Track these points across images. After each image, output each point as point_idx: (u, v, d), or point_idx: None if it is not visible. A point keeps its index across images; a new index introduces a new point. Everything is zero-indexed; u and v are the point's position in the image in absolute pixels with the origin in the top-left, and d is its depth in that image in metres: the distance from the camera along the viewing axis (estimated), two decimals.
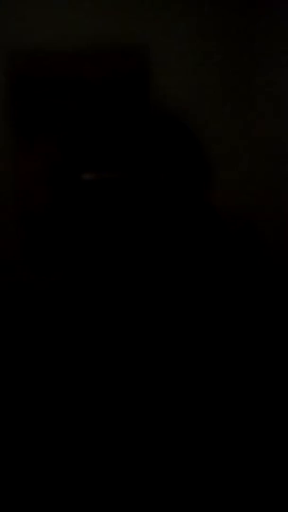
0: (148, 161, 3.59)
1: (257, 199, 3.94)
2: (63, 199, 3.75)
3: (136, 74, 3.78)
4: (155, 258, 3.50)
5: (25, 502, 2.04)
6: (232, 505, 1.95)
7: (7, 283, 3.76)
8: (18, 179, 3.80)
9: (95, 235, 3.63)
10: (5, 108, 3.80)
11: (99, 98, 3.81)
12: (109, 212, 3.63)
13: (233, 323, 3.27)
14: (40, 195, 3.80)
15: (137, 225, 3.54)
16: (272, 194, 3.93)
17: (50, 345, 3.18)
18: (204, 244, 3.56)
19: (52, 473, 2.21)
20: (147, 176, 3.56)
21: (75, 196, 3.65)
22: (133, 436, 2.34)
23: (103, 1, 3.76)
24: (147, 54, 3.77)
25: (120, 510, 1.98)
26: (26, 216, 3.82)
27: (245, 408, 2.50)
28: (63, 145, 3.79)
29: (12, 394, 2.73)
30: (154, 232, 3.53)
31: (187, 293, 3.43)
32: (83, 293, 3.56)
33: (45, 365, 3.01)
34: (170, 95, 3.83)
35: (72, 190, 3.68)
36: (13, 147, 3.80)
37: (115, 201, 3.65)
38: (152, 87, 3.83)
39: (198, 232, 3.54)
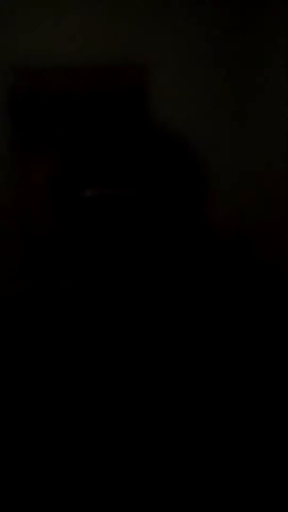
0: (147, 178, 3.68)
1: (250, 211, 4.03)
2: (64, 214, 3.79)
3: (134, 91, 3.88)
4: (152, 269, 3.58)
5: (25, 502, 2.03)
6: (232, 505, 1.97)
7: (7, 295, 3.77)
8: (17, 193, 3.85)
9: (94, 248, 3.68)
10: (5, 124, 3.86)
11: (97, 114, 3.89)
12: (109, 226, 3.68)
13: (224, 330, 3.36)
14: (39, 208, 3.85)
15: (136, 238, 3.62)
16: (265, 206, 4.02)
17: (48, 351, 3.20)
18: (199, 255, 3.64)
19: (52, 473, 2.21)
20: (146, 193, 3.65)
21: (77, 211, 3.71)
22: (132, 436, 2.37)
23: (102, 20, 3.87)
24: (145, 71, 3.88)
25: (120, 510, 1.99)
26: (25, 229, 3.86)
27: (236, 405, 2.57)
28: (63, 160, 3.85)
29: (12, 398, 2.74)
30: (152, 245, 3.61)
31: (182, 300, 3.51)
32: (81, 303, 3.60)
33: (44, 370, 3.03)
34: (167, 111, 3.96)
35: (74, 205, 3.73)
36: (12, 162, 3.87)
37: (114, 216, 3.71)
38: (150, 103, 3.95)
39: (194, 244, 3.63)
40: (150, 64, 3.90)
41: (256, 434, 2.39)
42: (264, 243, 3.97)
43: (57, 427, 2.56)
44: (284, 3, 3.57)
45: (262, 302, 3.73)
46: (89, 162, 3.86)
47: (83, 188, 3.74)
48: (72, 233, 3.72)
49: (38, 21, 3.81)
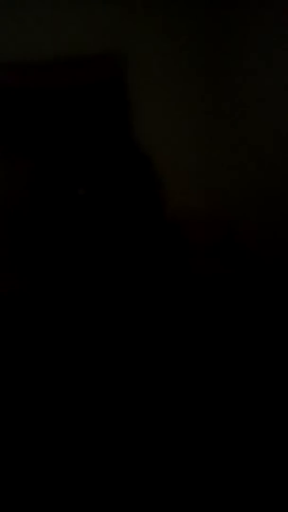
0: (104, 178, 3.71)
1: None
2: (55, 211, 3.74)
3: (112, 81, 3.77)
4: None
5: (25, 502, 2.03)
6: (232, 504, 2.01)
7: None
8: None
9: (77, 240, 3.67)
10: None
11: (74, 108, 3.78)
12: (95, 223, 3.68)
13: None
14: (19, 205, 3.76)
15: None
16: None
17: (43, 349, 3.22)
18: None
19: (52, 473, 2.21)
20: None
21: (70, 208, 3.69)
22: (131, 436, 2.39)
23: (79, 10, 3.73)
24: (124, 61, 3.78)
25: (120, 510, 2.01)
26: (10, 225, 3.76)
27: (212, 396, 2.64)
28: (44, 159, 3.77)
29: (11, 398, 2.74)
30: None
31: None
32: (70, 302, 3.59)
33: (42, 368, 3.04)
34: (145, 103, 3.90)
35: (68, 203, 3.71)
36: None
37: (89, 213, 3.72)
38: (128, 95, 3.86)
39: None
40: (128, 53, 3.81)
41: (256, 434, 2.42)
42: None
43: (56, 427, 2.56)
44: None
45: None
46: (70, 161, 3.79)
47: (71, 186, 3.73)
48: (58, 226, 3.69)
49: (11, 12, 3.63)
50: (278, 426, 2.43)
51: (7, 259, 3.81)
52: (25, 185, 3.76)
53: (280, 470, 2.13)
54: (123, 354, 3.20)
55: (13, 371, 3.09)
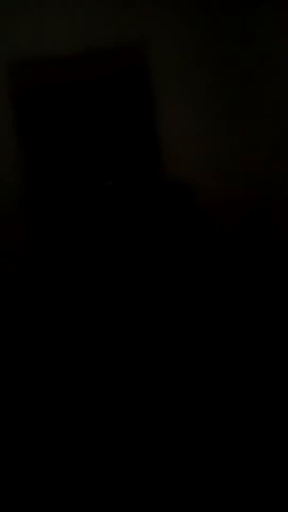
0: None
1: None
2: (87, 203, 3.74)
3: (136, 71, 3.74)
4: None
5: (25, 502, 2.04)
6: (232, 504, 2.01)
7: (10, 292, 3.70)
8: (24, 189, 3.72)
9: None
10: (8, 119, 3.64)
11: (100, 102, 3.75)
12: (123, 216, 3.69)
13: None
14: (46, 205, 3.74)
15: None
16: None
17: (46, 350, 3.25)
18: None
19: (52, 473, 2.22)
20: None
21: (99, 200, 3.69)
22: (131, 436, 2.40)
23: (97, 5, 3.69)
24: (147, 51, 3.75)
25: (120, 510, 2.01)
26: (33, 225, 3.75)
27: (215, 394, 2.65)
28: (72, 151, 3.75)
29: (12, 398, 2.76)
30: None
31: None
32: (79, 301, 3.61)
33: (41, 367, 3.06)
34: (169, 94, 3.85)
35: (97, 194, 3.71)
36: (18, 157, 3.68)
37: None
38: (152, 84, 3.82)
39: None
40: (150, 45, 3.77)
41: (256, 434, 2.42)
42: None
43: (56, 427, 2.57)
44: None
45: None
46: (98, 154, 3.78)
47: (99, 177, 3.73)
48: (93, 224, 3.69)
49: (31, 13, 3.59)
50: (278, 425, 2.43)
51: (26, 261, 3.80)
52: (50, 178, 3.75)
53: (280, 470, 2.13)
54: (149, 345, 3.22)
55: (18, 371, 3.11)
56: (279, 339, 3.15)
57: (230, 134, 4.00)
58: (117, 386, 2.90)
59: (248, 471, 2.15)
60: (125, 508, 2.01)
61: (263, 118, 3.96)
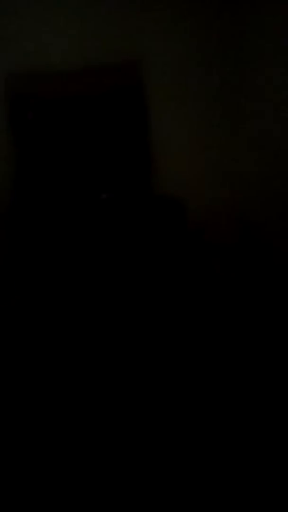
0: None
1: None
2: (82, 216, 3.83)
3: (130, 87, 3.84)
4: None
5: (25, 502, 2.03)
6: (232, 504, 1.98)
7: None
8: (15, 200, 3.83)
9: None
10: (3, 130, 3.77)
11: (95, 116, 3.87)
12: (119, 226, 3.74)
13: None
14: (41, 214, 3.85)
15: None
16: None
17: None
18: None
19: (52, 472, 2.21)
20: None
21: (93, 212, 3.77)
22: (131, 436, 2.39)
23: (95, 18, 3.82)
24: (142, 67, 3.85)
25: (120, 510, 2.00)
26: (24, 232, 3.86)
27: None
28: (67, 164, 3.87)
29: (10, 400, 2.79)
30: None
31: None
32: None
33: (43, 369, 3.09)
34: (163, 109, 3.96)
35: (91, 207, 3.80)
36: (11, 168, 3.80)
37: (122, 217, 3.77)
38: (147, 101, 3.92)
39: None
40: (146, 61, 3.88)
41: (256, 434, 2.39)
42: None
43: (57, 426, 2.58)
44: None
45: None
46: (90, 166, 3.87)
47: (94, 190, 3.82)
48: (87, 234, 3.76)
49: (32, 25, 3.73)
50: (278, 424, 2.41)
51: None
52: (45, 189, 3.85)
53: (280, 469, 2.10)
54: (135, 355, 3.22)
55: (16, 371, 3.14)
56: (269, 347, 3.14)
57: (223, 149, 4.07)
58: (115, 384, 2.92)
59: (248, 471, 2.15)
60: (125, 508, 2.01)
61: (255, 133, 4.02)
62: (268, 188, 4.00)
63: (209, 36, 3.94)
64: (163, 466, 2.24)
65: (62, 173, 3.85)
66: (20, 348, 3.35)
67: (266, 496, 2.00)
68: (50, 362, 3.20)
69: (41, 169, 3.84)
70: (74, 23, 3.78)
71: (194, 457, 2.28)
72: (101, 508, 2.02)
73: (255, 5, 3.86)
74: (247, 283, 3.94)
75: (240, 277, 3.96)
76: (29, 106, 3.77)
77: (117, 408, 2.72)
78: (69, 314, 3.60)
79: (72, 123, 3.84)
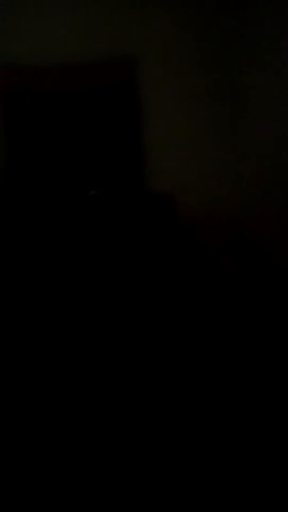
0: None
1: None
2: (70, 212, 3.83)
3: (125, 85, 3.85)
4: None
5: (25, 502, 2.04)
6: (232, 504, 1.98)
7: None
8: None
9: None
10: None
11: (88, 111, 3.87)
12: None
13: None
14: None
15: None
16: None
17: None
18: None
19: (52, 472, 2.22)
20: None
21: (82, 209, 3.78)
22: (131, 436, 2.39)
23: (91, 14, 3.82)
24: (136, 65, 3.86)
25: (120, 510, 2.00)
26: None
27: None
28: (57, 160, 3.90)
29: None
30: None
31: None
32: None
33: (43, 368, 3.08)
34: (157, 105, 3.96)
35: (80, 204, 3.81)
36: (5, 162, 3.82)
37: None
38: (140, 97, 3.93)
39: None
40: (140, 59, 3.88)
41: (256, 434, 2.39)
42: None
43: (57, 427, 2.58)
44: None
45: None
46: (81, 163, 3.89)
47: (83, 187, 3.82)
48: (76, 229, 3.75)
49: (26, 19, 3.73)
50: (278, 425, 2.41)
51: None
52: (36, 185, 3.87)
53: (280, 470, 2.10)
54: (127, 356, 3.23)
55: (15, 371, 3.15)
56: (261, 347, 3.16)
57: (214, 149, 4.07)
58: (115, 384, 2.94)
59: (248, 471, 2.16)
60: (125, 508, 2.02)
61: (248, 134, 4.00)
62: (261, 187, 3.98)
63: (203, 35, 3.94)
64: (163, 466, 2.25)
65: (53, 168, 3.87)
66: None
67: (266, 496, 2.01)
68: (36, 360, 3.21)
69: (31, 164, 3.85)
70: (69, 19, 3.79)
71: (194, 457, 2.29)
72: (101, 508, 2.03)
73: (252, 6, 3.86)
74: (237, 280, 3.95)
75: (230, 272, 3.97)
76: (22, 100, 3.77)
77: (115, 408, 2.73)
78: (56, 310, 3.60)
79: (65, 118, 3.85)
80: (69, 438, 2.48)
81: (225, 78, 4.01)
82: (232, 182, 4.08)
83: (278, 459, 2.17)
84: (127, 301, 3.56)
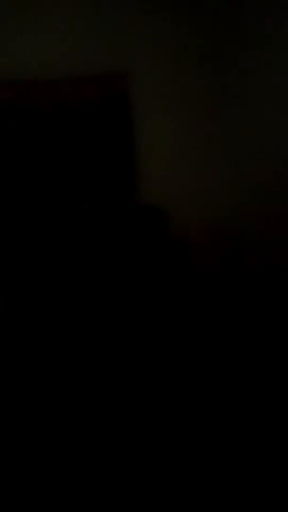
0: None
1: None
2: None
3: (116, 97, 3.88)
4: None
5: (25, 502, 2.02)
6: (232, 504, 1.95)
7: None
8: None
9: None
10: None
11: (79, 125, 3.88)
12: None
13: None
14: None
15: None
16: None
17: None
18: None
19: (52, 472, 2.20)
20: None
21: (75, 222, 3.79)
22: (131, 436, 2.37)
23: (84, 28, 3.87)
24: (128, 78, 3.88)
25: (120, 510, 1.97)
26: None
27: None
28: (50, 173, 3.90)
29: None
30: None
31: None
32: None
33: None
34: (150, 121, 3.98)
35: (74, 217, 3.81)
36: None
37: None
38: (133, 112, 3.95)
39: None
40: (132, 73, 3.91)
41: (256, 435, 2.37)
42: None
43: (57, 428, 2.56)
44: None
45: None
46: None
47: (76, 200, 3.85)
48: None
49: (18, 31, 3.77)
50: (278, 426, 2.39)
51: None
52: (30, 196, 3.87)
53: (280, 470, 2.09)
54: (124, 362, 3.19)
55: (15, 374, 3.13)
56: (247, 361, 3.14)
57: (208, 161, 4.07)
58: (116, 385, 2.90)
59: (248, 471, 2.12)
60: (125, 508, 2.00)
61: (240, 148, 4.03)
62: (255, 201, 4.00)
63: (197, 48, 3.97)
64: (163, 466, 2.23)
65: (45, 182, 3.87)
66: None
67: (266, 495, 1.98)
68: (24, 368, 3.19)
69: (23, 177, 3.86)
70: (62, 33, 3.82)
71: (193, 457, 2.27)
72: (101, 508, 2.00)
73: (250, 23, 3.93)
74: (226, 292, 3.93)
75: (220, 286, 3.95)
76: (12, 114, 3.81)
77: (114, 409, 2.71)
78: (49, 323, 3.59)
79: (57, 131, 3.87)
80: (69, 438, 2.47)
81: (218, 90, 4.03)
82: (227, 195, 4.08)
83: (277, 459, 2.16)
84: (115, 311, 3.54)
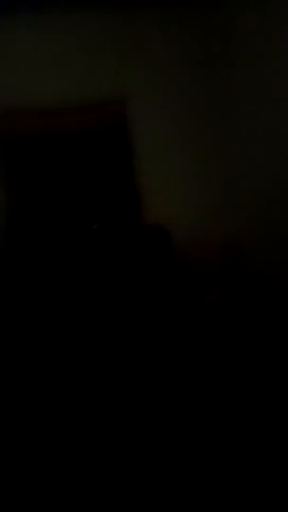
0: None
1: None
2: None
3: (117, 124, 4.03)
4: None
5: (25, 502, 2.00)
6: (232, 504, 1.94)
7: None
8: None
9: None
10: None
11: (79, 154, 4.03)
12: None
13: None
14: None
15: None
16: None
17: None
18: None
19: (52, 472, 2.18)
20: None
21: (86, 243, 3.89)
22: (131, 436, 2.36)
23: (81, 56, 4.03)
24: (128, 105, 4.03)
25: (120, 510, 1.95)
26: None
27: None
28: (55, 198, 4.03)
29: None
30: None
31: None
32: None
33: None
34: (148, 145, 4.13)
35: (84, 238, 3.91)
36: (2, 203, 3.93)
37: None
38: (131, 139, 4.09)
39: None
40: (131, 100, 4.06)
41: (256, 435, 2.37)
42: None
43: (57, 428, 2.56)
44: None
45: None
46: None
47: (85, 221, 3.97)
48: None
49: (15, 61, 3.91)
50: (277, 427, 2.38)
51: None
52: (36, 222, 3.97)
53: (280, 470, 2.07)
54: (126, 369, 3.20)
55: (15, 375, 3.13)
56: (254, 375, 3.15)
57: (210, 182, 4.20)
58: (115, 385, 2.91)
59: (248, 471, 2.12)
60: (125, 508, 1.99)
61: (245, 169, 4.13)
62: (257, 219, 4.08)
63: (195, 78, 4.15)
64: (163, 466, 2.21)
65: (53, 206, 4.00)
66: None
67: (266, 495, 1.96)
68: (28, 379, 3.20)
69: (32, 203, 3.98)
70: (60, 62, 3.97)
71: (193, 457, 2.26)
72: (101, 508, 1.99)
73: (249, 44, 4.03)
74: (233, 311, 3.96)
75: (226, 304, 3.98)
76: (20, 141, 3.95)
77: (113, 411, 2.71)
78: (57, 341, 3.62)
79: (61, 159, 4.01)
80: (69, 439, 2.45)
81: (216, 118, 4.19)
82: (230, 216, 4.19)
83: (277, 459, 2.15)
84: (121, 330, 3.57)
